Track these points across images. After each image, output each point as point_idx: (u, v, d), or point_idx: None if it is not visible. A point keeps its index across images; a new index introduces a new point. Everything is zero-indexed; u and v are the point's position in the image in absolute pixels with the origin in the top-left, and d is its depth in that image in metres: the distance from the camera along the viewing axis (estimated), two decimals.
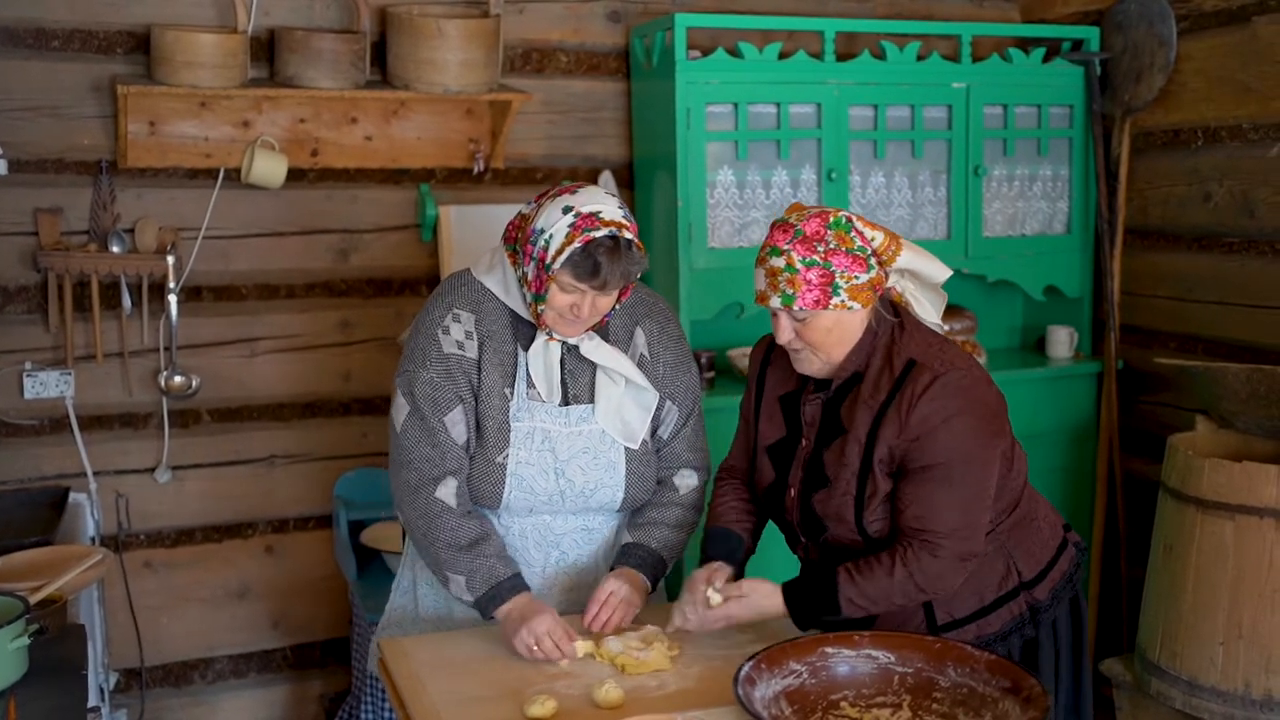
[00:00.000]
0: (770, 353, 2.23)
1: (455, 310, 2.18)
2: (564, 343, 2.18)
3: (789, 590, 2.04)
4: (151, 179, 3.38)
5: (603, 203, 2.07)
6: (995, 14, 4.17)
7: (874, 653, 1.88)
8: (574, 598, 2.27)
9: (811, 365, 2.07)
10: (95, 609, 3.02)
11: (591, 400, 2.20)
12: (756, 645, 1.98)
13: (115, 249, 3.31)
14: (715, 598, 2.04)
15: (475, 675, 1.97)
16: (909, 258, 2.05)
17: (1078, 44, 3.87)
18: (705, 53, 3.52)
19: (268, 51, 3.38)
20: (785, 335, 2.05)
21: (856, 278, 1.99)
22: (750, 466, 2.25)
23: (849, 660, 1.87)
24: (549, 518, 2.24)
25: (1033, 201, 3.89)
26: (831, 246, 1.98)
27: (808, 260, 1.97)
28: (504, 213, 3.31)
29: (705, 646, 2.06)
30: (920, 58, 3.67)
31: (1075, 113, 3.88)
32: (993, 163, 3.80)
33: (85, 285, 3.30)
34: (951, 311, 3.51)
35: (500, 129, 3.56)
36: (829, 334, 2.02)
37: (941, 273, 2.08)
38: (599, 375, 2.20)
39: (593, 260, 2.03)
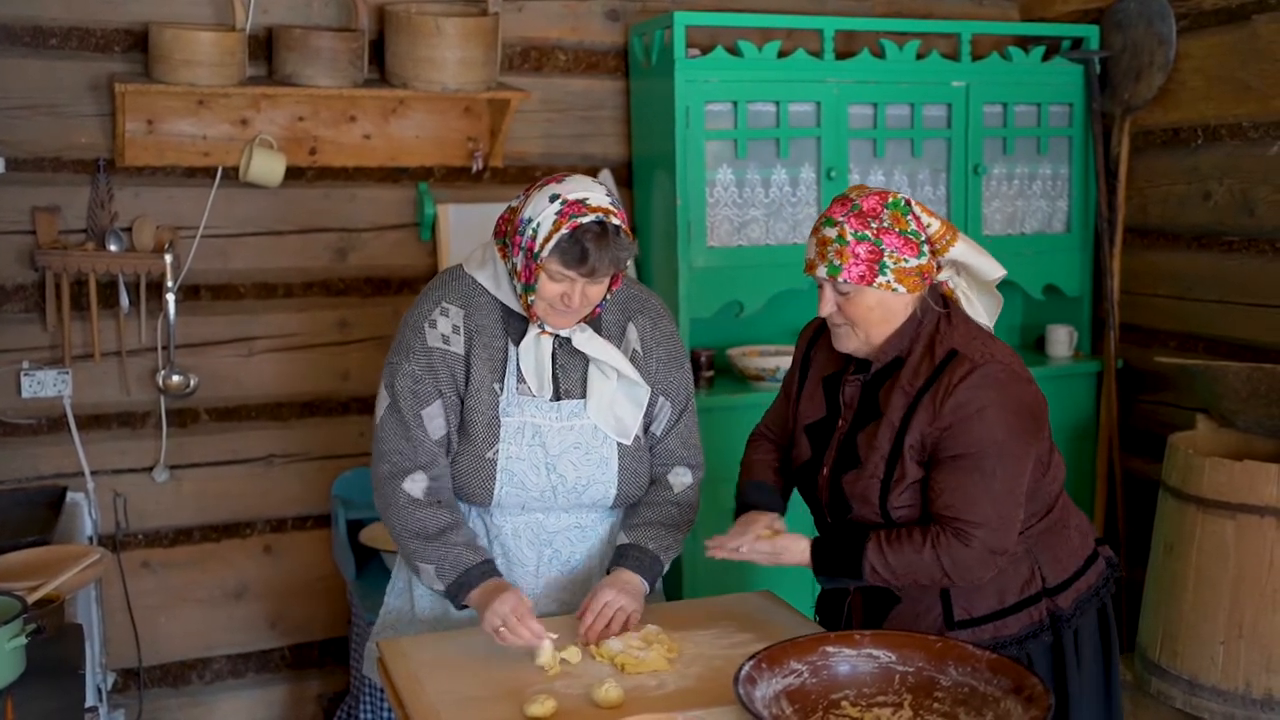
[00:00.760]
0: (819, 334, 2.23)
1: (444, 304, 2.18)
2: (556, 336, 2.18)
3: (817, 543, 2.06)
4: (149, 177, 3.37)
5: (589, 190, 2.07)
6: (995, 12, 4.17)
7: (875, 652, 1.87)
8: (568, 597, 2.26)
9: (850, 342, 2.07)
10: (93, 609, 3.01)
11: (583, 395, 2.20)
12: (757, 645, 1.97)
13: (113, 248, 3.30)
14: (768, 535, 2.08)
15: (474, 675, 1.96)
16: (964, 249, 2.04)
17: (1077, 42, 3.87)
18: (704, 51, 3.51)
19: (266, 50, 3.37)
20: (828, 308, 2.05)
21: (905, 260, 1.99)
22: (788, 443, 2.26)
23: (850, 659, 1.86)
24: (541, 515, 2.23)
25: (1032, 200, 3.89)
26: (885, 225, 1.99)
27: (859, 234, 1.98)
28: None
29: (705, 646, 2.06)
30: (920, 56, 3.67)
31: (1075, 111, 3.87)
32: (992, 161, 3.80)
33: (83, 284, 3.29)
34: None
35: (499, 128, 3.55)
36: (871, 312, 2.02)
37: (995, 270, 2.08)
38: (591, 370, 2.20)
39: (580, 246, 2.02)
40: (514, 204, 2.16)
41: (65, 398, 3.32)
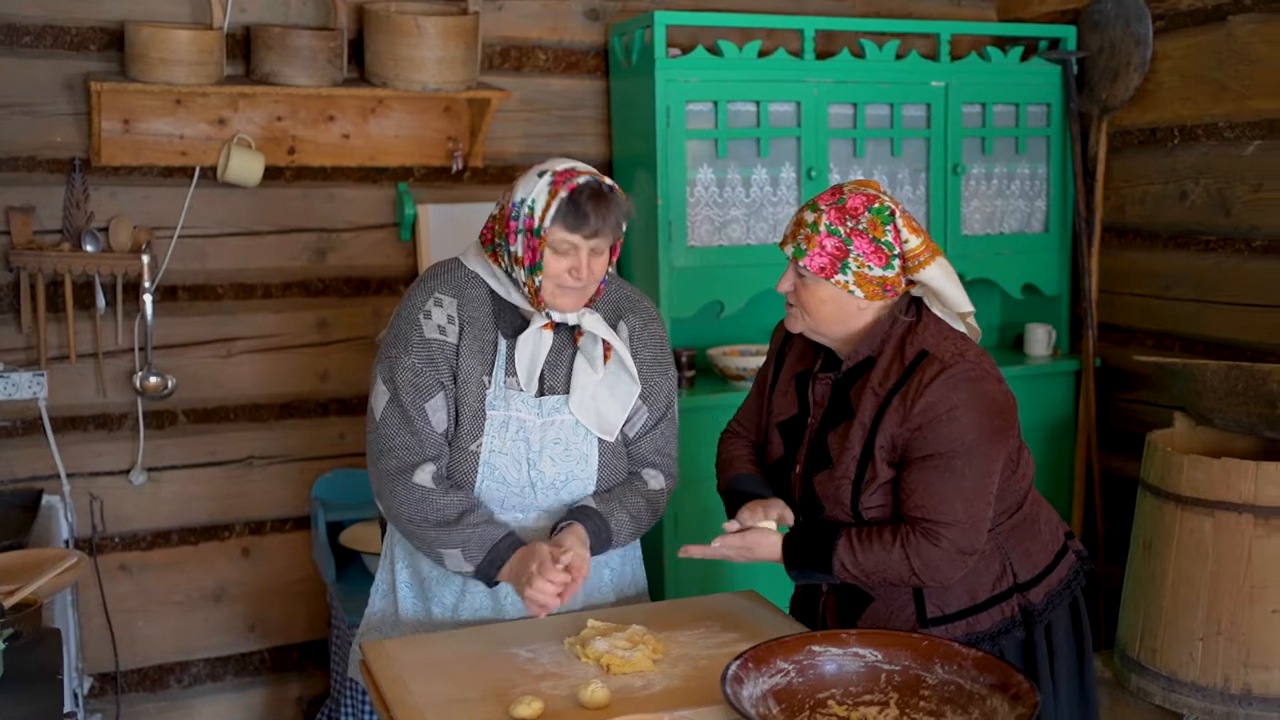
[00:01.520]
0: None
1: (437, 295, 2.17)
2: (556, 334, 2.17)
3: (789, 539, 2.07)
4: (126, 177, 3.34)
5: (574, 163, 2.11)
6: (973, 13, 4.19)
7: (861, 651, 1.87)
8: None
9: (797, 324, 2.10)
10: (69, 613, 2.99)
11: (567, 391, 2.19)
12: (742, 644, 1.97)
13: (89, 248, 3.27)
14: (770, 525, 2.09)
15: (460, 677, 1.95)
16: (937, 274, 2.04)
17: (1055, 43, 3.89)
18: (684, 51, 3.51)
19: (244, 49, 3.35)
20: (786, 285, 2.09)
21: (869, 268, 2.00)
22: (762, 439, 2.26)
23: (836, 658, 1.86)
24: (520, 515, 2.22)
25: (1011, 200, 3.91)
26: (860, 228, 2.00)
27: (832, 228, 2.00)
28: (482, 211, 3.29)
29: (691, 646, 2.05)
30: (899, 56, 3.68)
31: (1053, 111, 3.89)
32: (971, 161, 3.81)
33: (58, 285, 3.26)
34: None
35: (479, 127, 3.54)
36: (823, 305, 2.04)
37: (963, 302, 2.08)
38: (577, 365, 2.19)
39: (579, 208, 2.04)
40: (495, 211, 2.17)
41: (40, 399, 3.28)
